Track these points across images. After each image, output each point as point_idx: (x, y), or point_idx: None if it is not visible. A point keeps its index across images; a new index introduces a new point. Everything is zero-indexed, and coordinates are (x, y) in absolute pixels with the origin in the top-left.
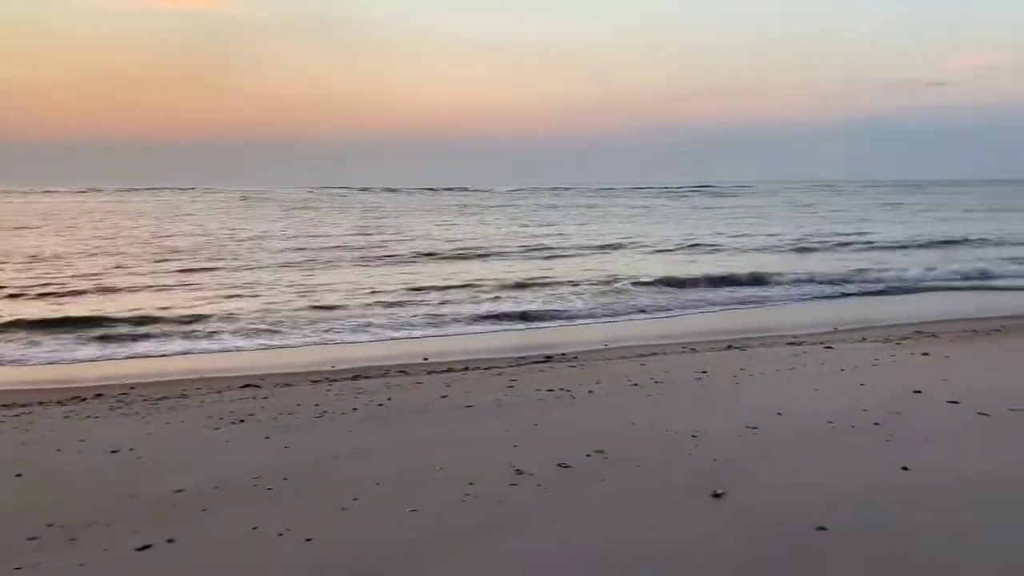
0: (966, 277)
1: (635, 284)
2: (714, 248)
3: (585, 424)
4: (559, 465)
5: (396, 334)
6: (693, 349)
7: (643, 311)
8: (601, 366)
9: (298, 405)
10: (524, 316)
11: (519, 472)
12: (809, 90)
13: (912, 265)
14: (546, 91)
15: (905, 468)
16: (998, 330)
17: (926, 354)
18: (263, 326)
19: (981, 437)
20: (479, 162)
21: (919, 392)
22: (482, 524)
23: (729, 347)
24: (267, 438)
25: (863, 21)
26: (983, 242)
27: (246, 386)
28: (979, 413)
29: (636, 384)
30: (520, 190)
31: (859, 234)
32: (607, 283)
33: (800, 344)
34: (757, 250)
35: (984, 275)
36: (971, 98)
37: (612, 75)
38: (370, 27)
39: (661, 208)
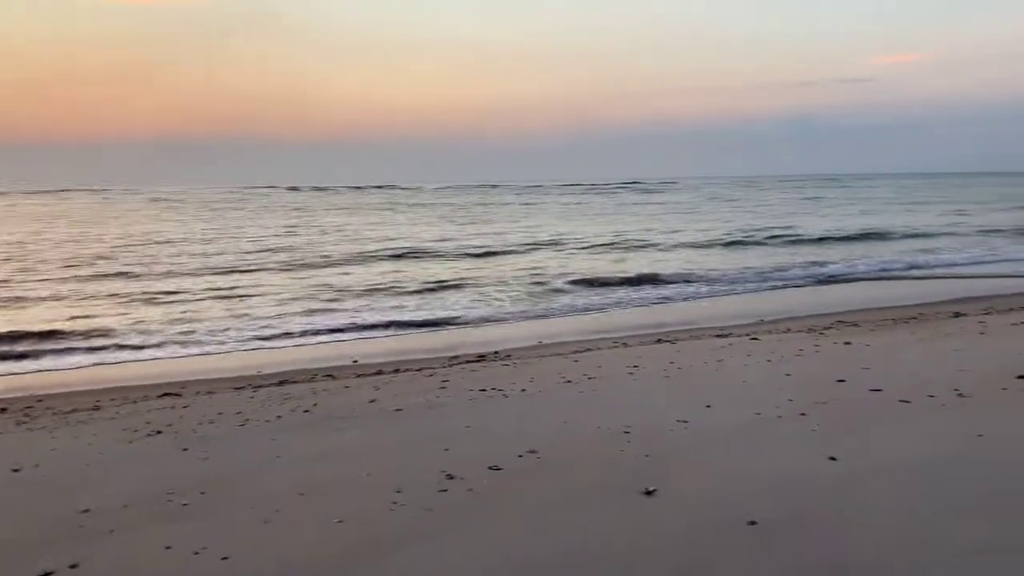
0: (886, 268)
1: (569, 283)
2: (644, 244)
3: (518, 424)
4: (490, 468)
5: (324, 337)
6: (625, 344)
7: (576, 308)
8: (534, 364)
9: (220, 414)
10: (448, 321)
11: (449, 477)
12: (737, 88)
13: (834, 256)
14: (479, 90)
15: (832, 458)
16: (915, 318)
17: (848, 343)
18: (181, 333)
19: (903, 424)
20: (409, 160)
21: (843, 381)
22: (410, 533)
23: (659, 341)
24: (185, 450)
25: (790, 20)
26: (900, 234)
27: (165, 395)
28: (900, 400)
29: (569, 381)
30: (448, 187)
31: (786, 227)
32: (539, 283)
33: (727, 336)
34: (686, 245)
35: (903, 266)
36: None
37: (546, 74)
38: (301, 24)
39: (590, 205)
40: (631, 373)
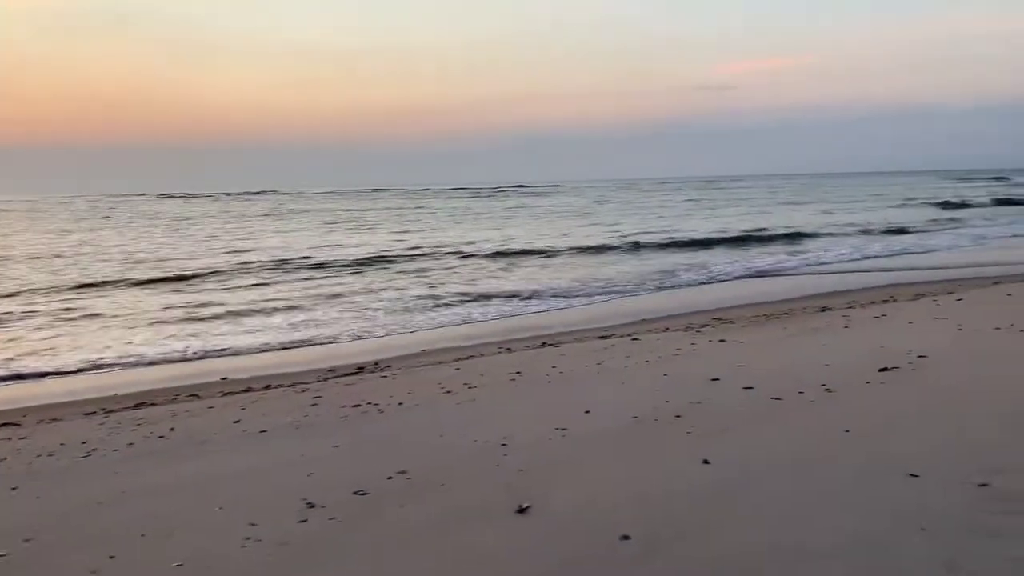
0: (763, 266)
1: (457, 294)
2: (533, 250)
3: (391, 441)
4: (356, 493)
5: (194, 352)
6: (509, 349)
7: (460, 314)
8: (416, 373)
9: (62, 444)
10: (326, 332)
11: (310, 505)
12: (613, 95)
13: (720, 256)
14: (369, 94)
15: (706, 461)
16: (786, 313)
17: (723, 341)
18: (28, 354)
19: (774, 422)
20: (295, 164)
21: (717, 380)
22: (261, 572)
23: (544, 344)
24: (14, 489)
25: (664, 27)
26: (779, 233)
27: (2, 425)
28: (772, 398)
29: (449, 391)
30: (332, 192)
31: (671, 229)
32: (426, 295)
33: (609, 337)
34: (578, 250)
35: (775, 263)
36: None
37: (438, 80)
38: (172, 23)
39: (477, 209)
40: (513, 380)
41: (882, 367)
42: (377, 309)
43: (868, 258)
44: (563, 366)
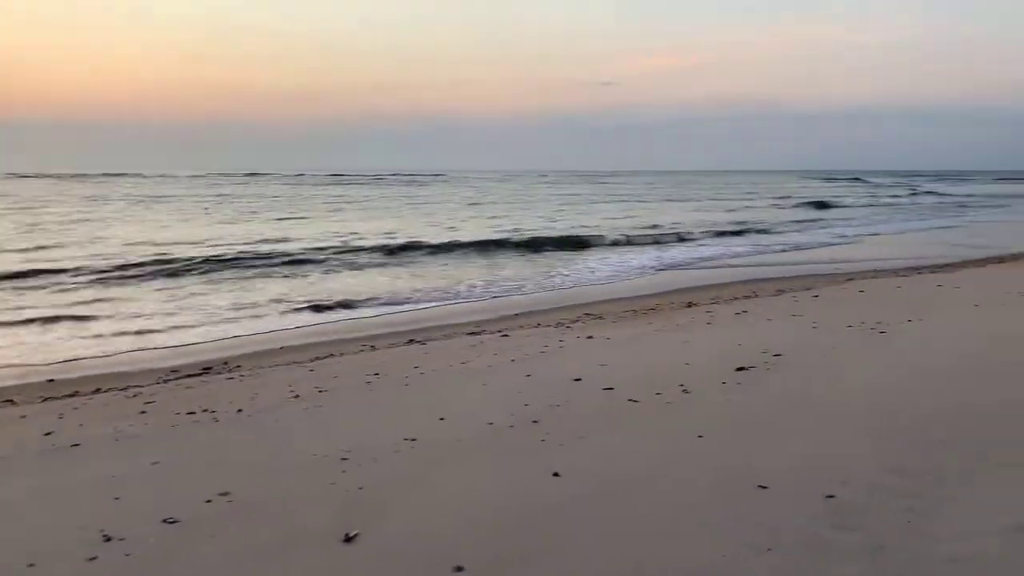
0: (644, 263)
1: (336, 302)
2: (421, 244)
3: (220, 457)
4: (165, 520)
5: (13, 352)
6: (373, 347)
7: (334, 310)
8: (266, 375)
9: None
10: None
11: (106, 538)
12: (497, 87)
13: (593, 252)
14: (246, 76)
15: (556, 474)
16: (653, 309)
17: (590, 337)
18: None
19: (630, 427)
20: (166, 145)
21: (579, 380)
22: None
23: (411, 342)
24: None
25: (551, 21)
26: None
27: None
28: (630, 400)
29: (298, 396)
30: (201, 175)
31: (553, 223)
32: (295, 292)
33: (480, 334)
34: (464, 246)
35: (654, 260)
36: (640, 97)
37: (319, 64)
38: None
39: (357, 197)
40: (369, 383)
41: (739, 366)
42: (236, 306)
43: (737, 256)
44: (426, 366)
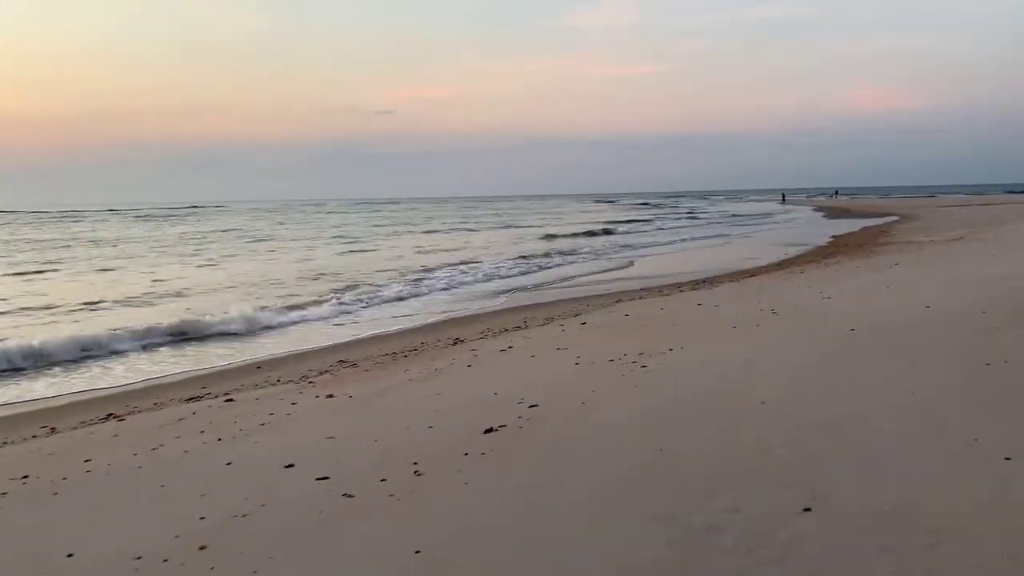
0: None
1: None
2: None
3: None
4: None
5: None
6: (53, 428)
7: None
8: None
9: None
10: None
11: None
12: (275, 114)
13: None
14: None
15: None
16: (415, 350)
17: (331, 396)
18: None
19: (335, 543)
20: None
21: (291, 467)
22: None
23: (108, 417)
24: None
25: (329, 48)
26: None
27: None
28: (344, 495)
29: None
30: None
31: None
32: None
33: (200, 399)
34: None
35: (403, 291)
36: (416, 126)
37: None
38: None
39: (136, 236)
40: (5, 494)
41: (488, 427)
42: None
43: (523, 276)
44: (103, 458)
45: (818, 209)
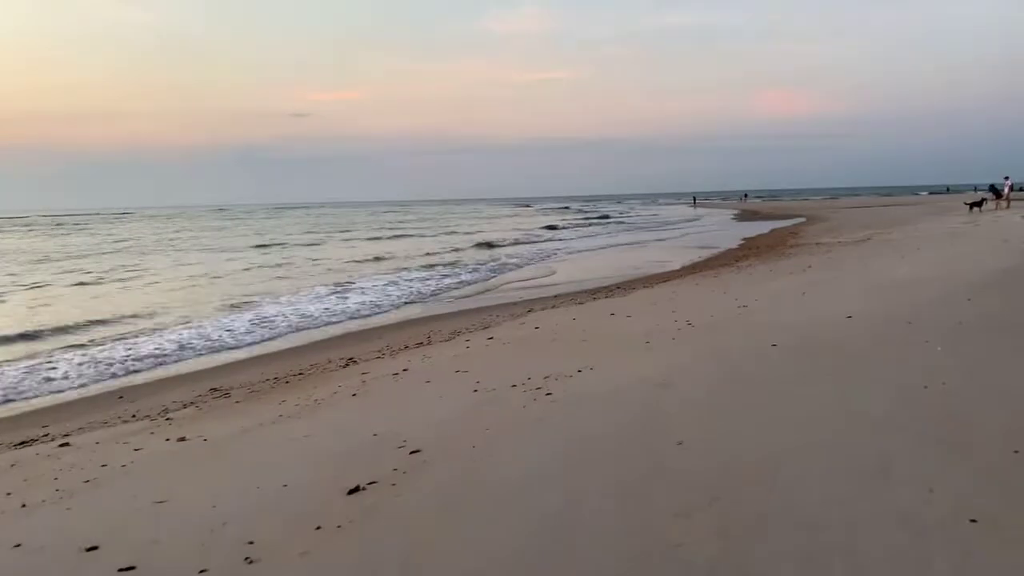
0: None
1: None
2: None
3: None
4: None
5: None
6: None
7: None
8: None
9: None
10: None
11: None
12: (184, 118)
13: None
14: None
15: None
16: (301, 374)
17: (182, 439)
18: None
19: None
20: None
21: (95, 549)
22: None
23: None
24: None
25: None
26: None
27: None
28: None
29: None
30: None
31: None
32: None
33: (34, 442)
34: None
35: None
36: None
37: None
38: None
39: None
40: None
41: (355, 486)
42: None
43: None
44: None
45: (728, 212)
